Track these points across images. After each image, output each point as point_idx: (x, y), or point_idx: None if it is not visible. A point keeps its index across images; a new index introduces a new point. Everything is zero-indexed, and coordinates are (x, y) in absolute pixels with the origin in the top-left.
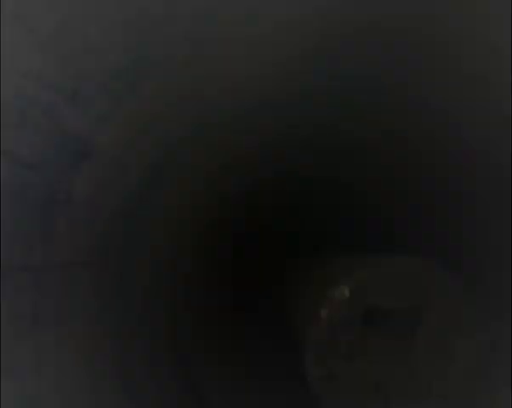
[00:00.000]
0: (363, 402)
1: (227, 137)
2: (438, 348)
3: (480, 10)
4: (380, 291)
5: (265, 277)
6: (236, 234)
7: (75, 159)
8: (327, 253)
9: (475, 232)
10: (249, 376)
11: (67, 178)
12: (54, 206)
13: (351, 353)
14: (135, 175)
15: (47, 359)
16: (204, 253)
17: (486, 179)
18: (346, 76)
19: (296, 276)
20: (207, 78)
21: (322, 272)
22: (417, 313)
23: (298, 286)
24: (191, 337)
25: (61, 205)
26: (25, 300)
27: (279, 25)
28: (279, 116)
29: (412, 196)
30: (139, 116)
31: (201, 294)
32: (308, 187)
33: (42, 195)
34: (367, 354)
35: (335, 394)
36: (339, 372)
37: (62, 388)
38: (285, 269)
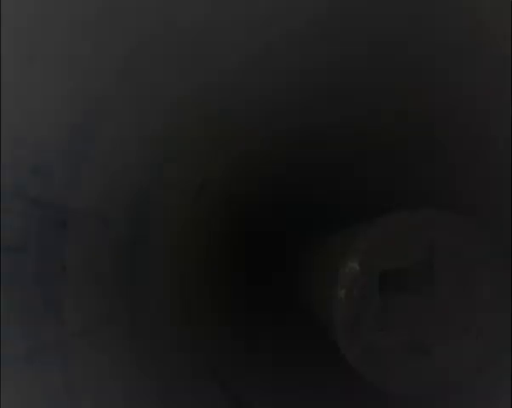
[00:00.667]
0: (406, 363)
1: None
2: (461, 288)
3: None
4: (387, 255)
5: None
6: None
7: (58, 229)
8: (332, 226)
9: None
10: (285, 373)
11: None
12: (52, 277)
13: (379, 322)
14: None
15: None
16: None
17: None
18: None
19: (303, 256)
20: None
21: (330, 248)
22: (428, 265)
23: (306, 268)
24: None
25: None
26: None
27: None
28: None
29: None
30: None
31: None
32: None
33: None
34: (395, 319)
35: (377, 367)
36: (375, 344)
37: None
38: (291, 247)
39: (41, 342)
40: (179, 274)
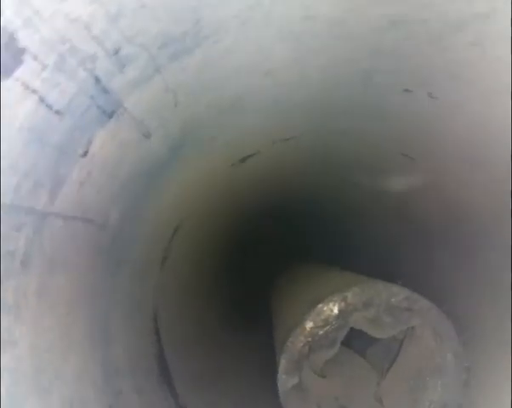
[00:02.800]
0: None
1: None
2: (408, 390)
3: None
4: (367, 316)
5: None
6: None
7: (101, 115)
8: (320, 266)
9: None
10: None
11: (90, 132)
12: (71, 157)
13: (325, 370)
14: (158, 144)
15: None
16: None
17: None
18: None
19: (286, 285)
20: None
21: (313, 285)
22: (396, 347)
23: (286, 295)
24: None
25: (77, 158)
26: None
27: None
28: None
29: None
30: (172, 89)
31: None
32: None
33: (61, 142)
34: (340, 375)
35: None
36: (309, 386)
37: None
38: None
39: None
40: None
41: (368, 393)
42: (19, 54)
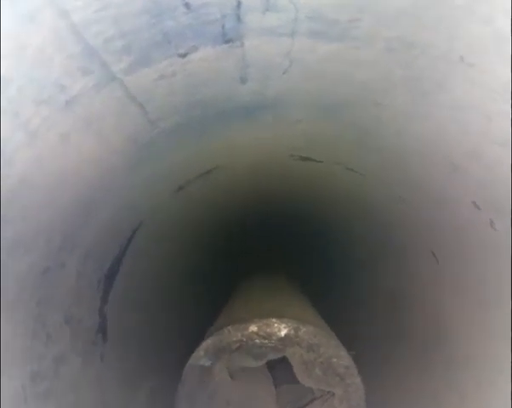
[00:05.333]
0: None
1: None
2: None
3: None
4: (303, 356)
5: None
6: None
7: None
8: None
9: None
10: None
11: None
12: None
13: (236, 374)
14: None
15: None
16: None
17: None
18: None
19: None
20: None
21: (279, 296)
22: (307, 399)
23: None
24: None
25: None
26: None
27: None
28: None
29: None
30: None
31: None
32: None
33: None
34: (244, 387)
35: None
36: (214, 376)
37: None
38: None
39: None
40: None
41: None
42: None
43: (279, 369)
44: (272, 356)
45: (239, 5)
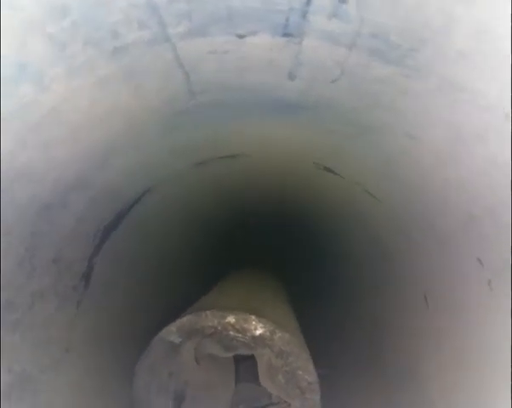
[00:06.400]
0: None
1: None
2: None
3: None
4: (271, 360)
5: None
6: None
7: None
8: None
9: None
10: None
11: None
12: None
13: (203, 360)
14: None
15: None
16: None
17: None
18: None
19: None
20: None
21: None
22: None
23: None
24: None
25: None
26: None
27: None
28: None
29: None
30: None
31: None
32: None
33: None
34: (206, 374)
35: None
36: (180, 355)
37: None
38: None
39: None
40: None
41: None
42: None
43: (244, 365)
44: (242, 351)
45: (308, 3)
